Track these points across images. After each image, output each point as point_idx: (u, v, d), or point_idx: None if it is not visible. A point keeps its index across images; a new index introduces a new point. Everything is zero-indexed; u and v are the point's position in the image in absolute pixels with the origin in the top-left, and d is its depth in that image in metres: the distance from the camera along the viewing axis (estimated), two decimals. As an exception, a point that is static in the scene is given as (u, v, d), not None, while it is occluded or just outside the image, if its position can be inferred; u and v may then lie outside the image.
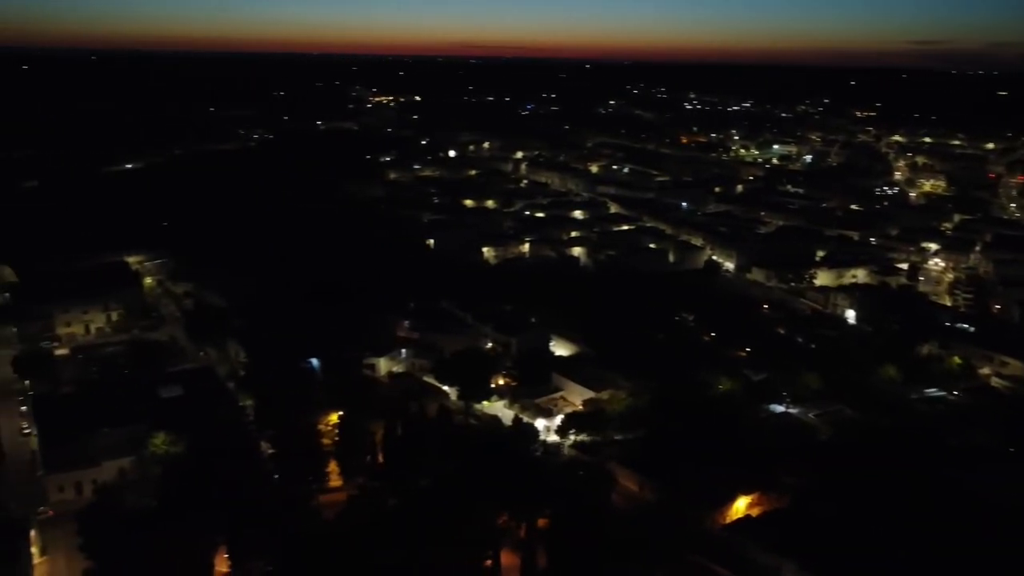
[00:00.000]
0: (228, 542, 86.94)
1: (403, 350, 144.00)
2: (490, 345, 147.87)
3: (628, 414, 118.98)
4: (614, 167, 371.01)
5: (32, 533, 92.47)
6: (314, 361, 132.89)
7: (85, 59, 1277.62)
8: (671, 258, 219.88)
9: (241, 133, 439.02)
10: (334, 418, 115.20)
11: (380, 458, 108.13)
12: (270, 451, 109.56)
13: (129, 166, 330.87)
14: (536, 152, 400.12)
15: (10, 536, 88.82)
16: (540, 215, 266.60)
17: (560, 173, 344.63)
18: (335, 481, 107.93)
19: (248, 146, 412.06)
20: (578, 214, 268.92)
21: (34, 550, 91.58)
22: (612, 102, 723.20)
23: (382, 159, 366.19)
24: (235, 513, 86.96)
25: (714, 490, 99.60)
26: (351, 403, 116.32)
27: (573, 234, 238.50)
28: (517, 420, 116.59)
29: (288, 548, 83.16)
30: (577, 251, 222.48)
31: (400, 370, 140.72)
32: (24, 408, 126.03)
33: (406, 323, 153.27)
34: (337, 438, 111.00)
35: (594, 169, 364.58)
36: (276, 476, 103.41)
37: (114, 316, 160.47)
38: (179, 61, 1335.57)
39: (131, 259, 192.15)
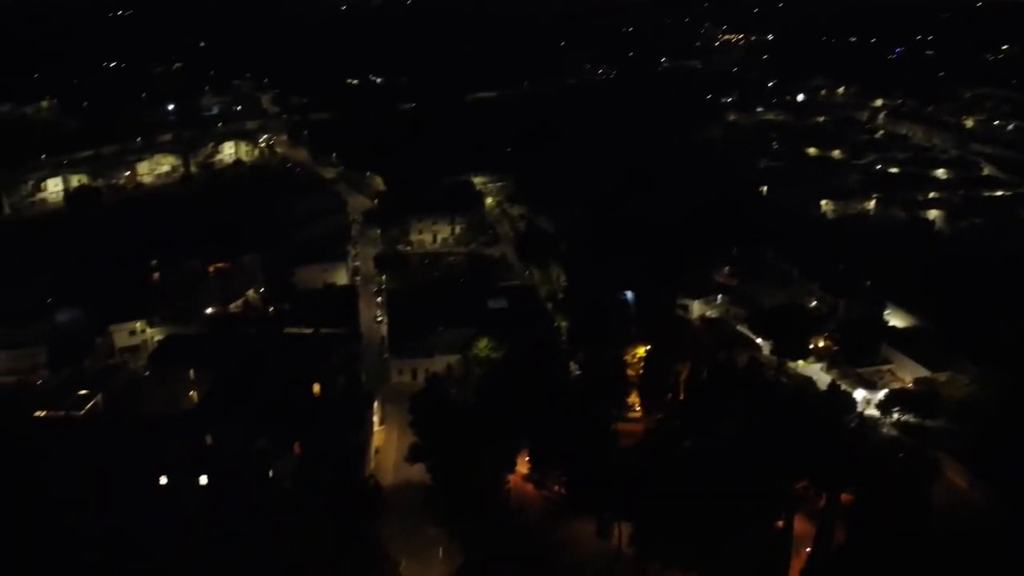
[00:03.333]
0: (530, 447, 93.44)
1: (719, 296, 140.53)
2: (815, 303, 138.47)
3: (968, 402, 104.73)
4: (995, 122, 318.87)
5: (375, 405, 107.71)
6: (629, 294, 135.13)
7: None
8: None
9: (587, 68, 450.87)
10: (641, 352, 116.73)
11: (681, 398, 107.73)
12: (577, 372, 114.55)
13: (486, 95, 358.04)
14: (899, 101, 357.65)
15: (361, 405, 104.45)
16: (893, 171, 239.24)
17: (925, 126, 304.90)
18: (634, 413, 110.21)
19: (592, 81, 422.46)
20: (940, 173, 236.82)
21: (375, 419, 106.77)
22: (1005, 47, 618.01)
23: (723, 100, 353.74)
24: (540, 423, 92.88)
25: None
26: (660, 340, 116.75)
27: (931, 195, 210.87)
28: (833, 386, 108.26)
29: (583, 466, 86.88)
30: (933, 215, 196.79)
31: (713, 315, 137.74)
32: (379, 299, 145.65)
33: (727, 269, 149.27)
34: (642, 371, 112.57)
35: (969, 124, 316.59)
36: (580, 397, 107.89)
37: (457, 230, 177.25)
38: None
39: (477, 180, 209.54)
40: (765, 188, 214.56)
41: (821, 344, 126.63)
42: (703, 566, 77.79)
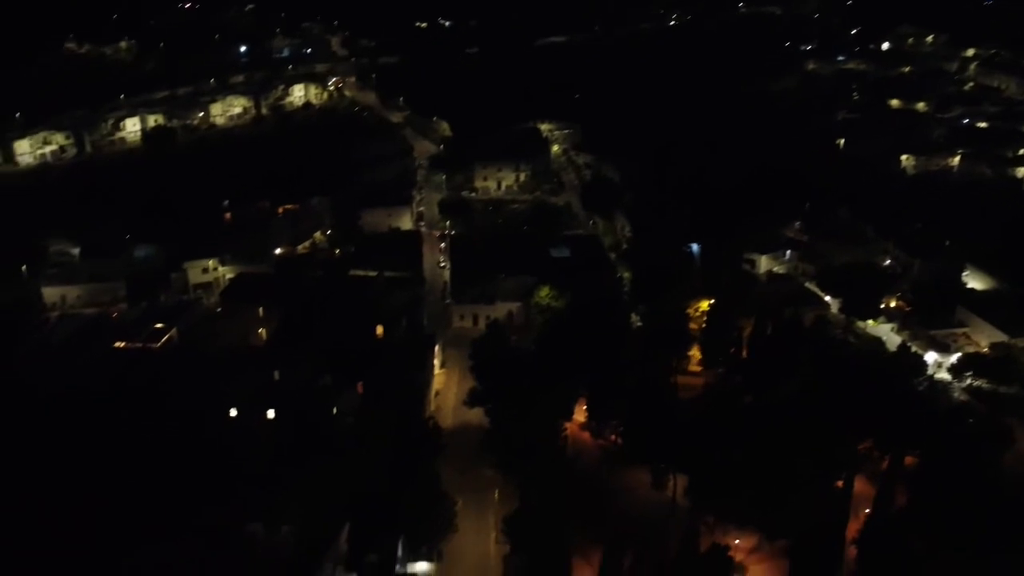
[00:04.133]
0: (588, 397, 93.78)
1: (788, 251, 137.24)
2: (889, 262, 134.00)
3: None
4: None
5: (436, 348, 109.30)
6: (695, 247, 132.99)
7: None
8: None
9: (660, 13, 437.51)
10: (705, 306, 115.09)
11: (744, 354, 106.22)
12: (638, 324, 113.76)
13: (556, 39, 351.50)
14: (993, 51, 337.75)
15: (422, 347, 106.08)
16: (982, 125, 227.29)
17: (1020, 78, 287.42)
18: (694, 366, 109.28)
19: (665, 27, 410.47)
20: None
21: (436, 362, 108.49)
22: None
23: (802, 48, 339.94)
24: (599, 373, 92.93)
25: None
26: (725, 294, 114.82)
27: (1021, 152, 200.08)
28: (904, 348, 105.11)
29: (641, 417, 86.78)
30: (1022, 173, 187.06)
31: (781, 271, 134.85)
32: (443, 245, 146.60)
33: (797, 224, 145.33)
34: (704, 326, 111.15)
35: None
36: (641, 349, 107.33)
37: (522, 177, 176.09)
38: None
39: (543, 126, 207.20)
40: (842, 141, 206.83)
41: (893, 304, 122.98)
42: (758, 522, 77.57)
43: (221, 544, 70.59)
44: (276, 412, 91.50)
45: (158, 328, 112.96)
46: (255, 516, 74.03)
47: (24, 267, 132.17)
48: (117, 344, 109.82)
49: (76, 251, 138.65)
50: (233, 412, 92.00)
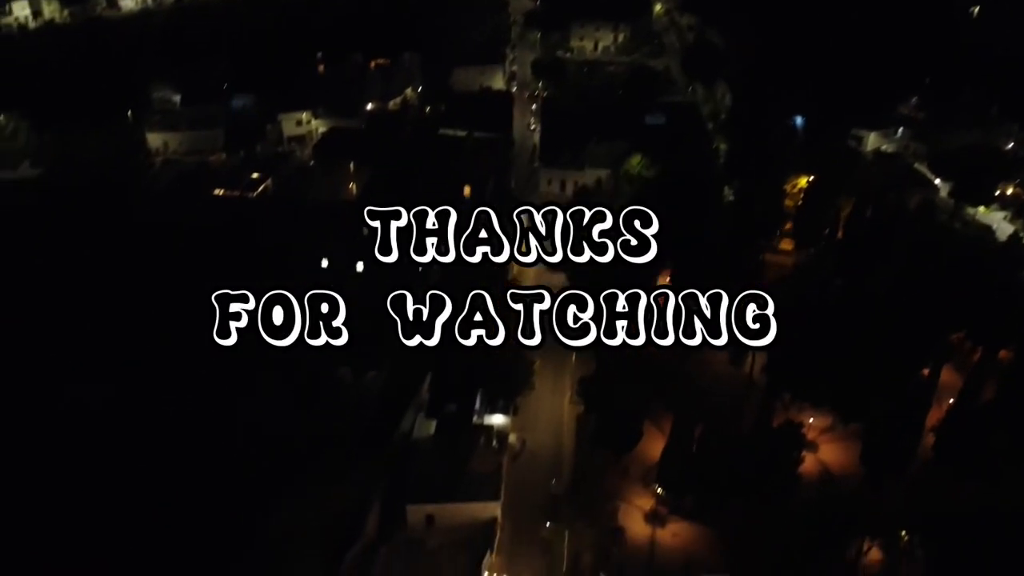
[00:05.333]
0: (673, 270, 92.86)
1: (900, 129, 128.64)
2: (1011, 146, 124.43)
3: None
4: None
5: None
6: (798, 120, 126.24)
7: None
8: None
9: None
10: (803, 183, 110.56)
11: (839, 235, 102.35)
12: (730, 198, 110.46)
13: None
14: None
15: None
16: None
17: None
18: (786, 244, 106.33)
19: None
20: None
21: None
22: None
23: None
24: (686, 246, 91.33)
25: None
26: (825, 171, 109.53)
27: None
28: (1015, 238, 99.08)
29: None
30: None
31: (889, 150, 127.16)
32: (534, 107, 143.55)
33: (913, 100, 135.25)
34: (801, 203, 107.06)
35: None
36: (731, 224, 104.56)
37: (620, 38, 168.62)
38: None
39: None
40: (976, 9, 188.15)
41: (1010, 191, 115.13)
42: (835, 403, 77.14)
43: (313, 387, 75.29)
44: (364, 265, 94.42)
45: (254, 178, 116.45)
46: (343, 361, 78.15)
47: (130, 112, 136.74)
48: (216, 191, 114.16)
49: (177, 98, 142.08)
50: (324, 263, 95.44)
